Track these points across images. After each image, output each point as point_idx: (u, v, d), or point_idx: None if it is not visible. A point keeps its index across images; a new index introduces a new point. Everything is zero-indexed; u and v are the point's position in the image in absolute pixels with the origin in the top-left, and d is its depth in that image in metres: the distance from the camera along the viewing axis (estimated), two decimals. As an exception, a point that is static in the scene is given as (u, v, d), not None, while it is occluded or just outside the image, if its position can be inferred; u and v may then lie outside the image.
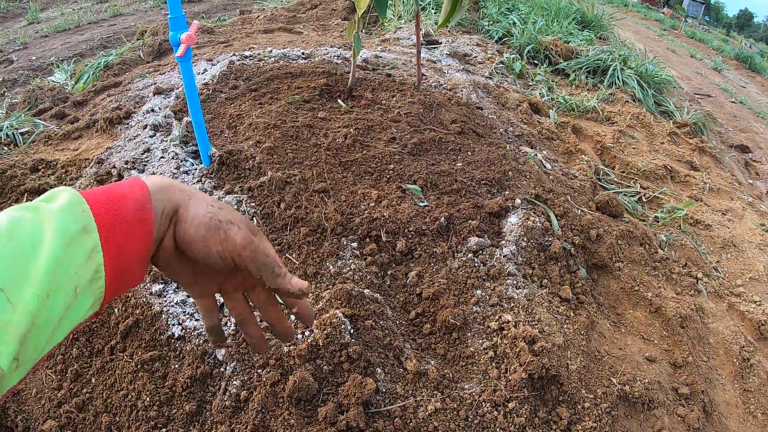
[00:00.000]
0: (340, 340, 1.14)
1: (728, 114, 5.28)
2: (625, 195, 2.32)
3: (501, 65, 3.44)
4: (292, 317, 1.17)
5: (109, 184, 0.49)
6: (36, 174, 1.98)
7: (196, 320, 1.27)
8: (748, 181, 3.27)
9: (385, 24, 4.17)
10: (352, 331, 1.19)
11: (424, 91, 2.36)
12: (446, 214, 1.57)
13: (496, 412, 1.11)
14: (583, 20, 5.33)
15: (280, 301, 0.61)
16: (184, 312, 1.29)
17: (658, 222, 2.20)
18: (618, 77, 3.63)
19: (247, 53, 2.79)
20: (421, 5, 4.35)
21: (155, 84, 2.55)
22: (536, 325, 1.30)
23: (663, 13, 17.39)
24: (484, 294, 1.37)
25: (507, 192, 1.76)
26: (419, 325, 1.33)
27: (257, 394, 1.09)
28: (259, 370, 1.14)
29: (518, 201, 1.68)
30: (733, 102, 6.07)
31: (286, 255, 1.43)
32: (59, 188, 0.43)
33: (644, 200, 2.37)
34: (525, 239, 1.56)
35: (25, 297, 0.35)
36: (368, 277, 1.37)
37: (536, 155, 2.10)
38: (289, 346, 1.17)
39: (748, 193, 2.82)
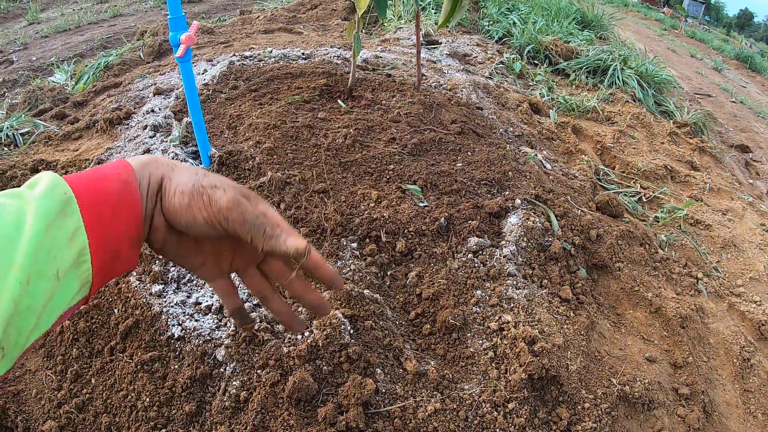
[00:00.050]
0: (339, 341, 1.14)
1: (728, 114, 5.28)
2: (625, 195, 2.32)
3: (501, 65, 3.43)
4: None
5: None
6: (36, 174, 1.98)
7: (196, 321, 1.27)
8: (748, 181, 3.27)
9: (385, 24, 4.17)
10: (351, 331, 1.18)
11: (424, 92, 2.36)
12: (446, 214, 1.57)
13: (495, 413, 1.11)
14: (583, 20, 5.33)
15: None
16: (184, 312, 1.29)
17: (658, 222, 2.20)
18: (618, 77, 3.63)
19: (247, 53, 2.79)
20: (421, 5, 4.35)
21: (155, 84, 2.55)
22: (536, 325, 1.30)
23: (663, 12, 17.39)
24: (484, 294, 1.37)
25: (507, 192, 1.76)
26: (419, 326, 1.33)
27: (257, 395, 1.09)
28: (259, 371, 1.14)
29: (518, 201, 1.68)
30: (734, 102, 6.06)
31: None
32: (42, 173, 0.42)
33: (644, 200, 2.37)
34: (525, 239, 1.56)
35: (9, 283, 0.35)
36: (368, 278, 1.37)
37: (536, 155, 2.10)
38: (289, 346, 1.17)
39: (749, 193, 2.82)
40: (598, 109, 3.12)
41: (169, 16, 1.41)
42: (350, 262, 1.40)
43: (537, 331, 1.26)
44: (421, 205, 1.63)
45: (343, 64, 2.68)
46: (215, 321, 1.27)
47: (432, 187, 1.72)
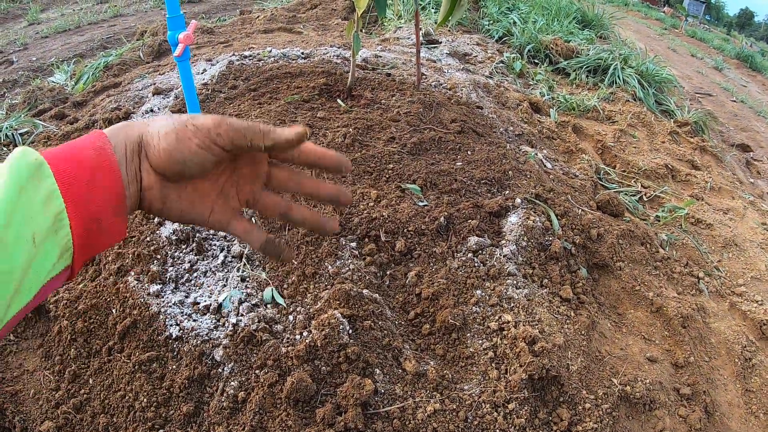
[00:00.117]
0: (338, 341, 1.13)
1: (729, 113, 5.27)
2: (625, 194, 2.31)
3: (501, 64, 3.43)
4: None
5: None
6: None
7: (194, 321, 1.26)
8: (749, 180, 3.26)
9: (385, 24, 4.16)
10: (350, 331, 1.18)
11: (423, 91, 2.35)
12: (446, 213, 1.56)
13: (495, 413, 1.10)
14: (584, 19, 5.32)
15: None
16: (182, 312, 1.28)
17: (659, 221, 2.19)
18: (618, 76, 3.63)
19: (246, 53, 2.78)
20: (420, 5, 4.35)
21: (154, 84, 2.54)
22: (536, 325, 1.29)
23: (663, 12, 17.37)
24: (483, 294, 1.37)
25: (507, 191, 1.76)
26: (418, 326, 1.32)
27: (255, 395, 1.09)
28: (257, 371, 1.13)
29: (518, 200, 1.67)
30: (734, 101, 6.05)
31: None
32: (16, 149, 0.42)
33: (645, 199, 2.36)
34: (525, 239, 1.55)
35: None
36: (367, 278, 1.37)
37: (536, 154, 2.09)
38: (287, 346, 1.16)
39: (750, 192, 2.81)
40: (598, 108, 3.11)
41: (167, 16, 1.41)
42: (349, 261, 1.39)
43: (537, 330, 1.25)
44: (421, 204, 1.62)
45: (342, 64, 2.67)
46: (213, 321, 1.26)
47: (432, 186, 1.71)
